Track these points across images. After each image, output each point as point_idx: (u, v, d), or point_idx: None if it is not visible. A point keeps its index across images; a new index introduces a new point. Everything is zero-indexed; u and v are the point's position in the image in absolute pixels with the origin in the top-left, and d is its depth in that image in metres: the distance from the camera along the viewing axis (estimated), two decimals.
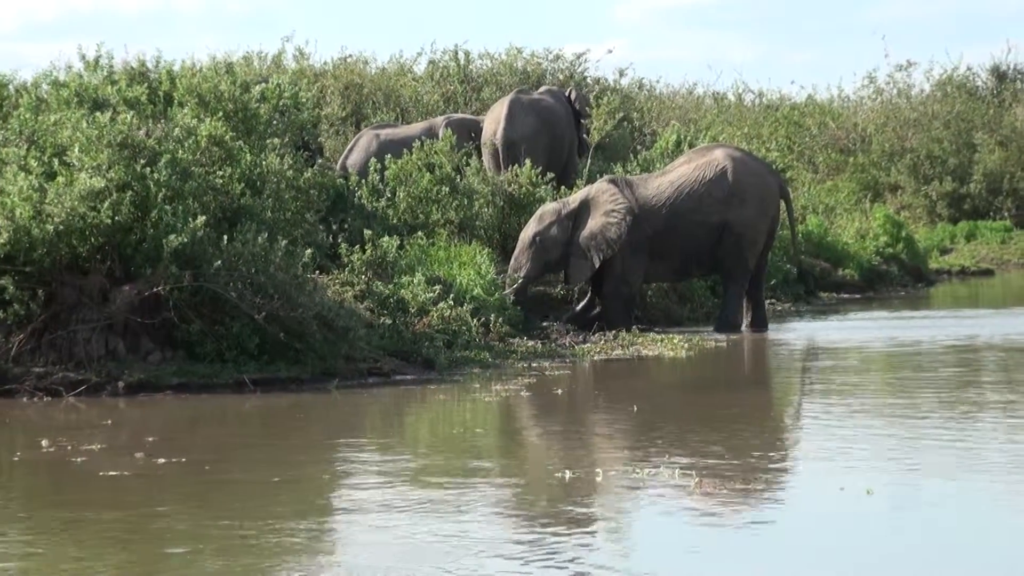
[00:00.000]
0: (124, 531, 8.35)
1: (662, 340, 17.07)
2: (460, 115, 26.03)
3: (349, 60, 34.93)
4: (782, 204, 19.07)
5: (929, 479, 9.29)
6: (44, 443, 11.03)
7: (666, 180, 18.65)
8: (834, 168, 37.50)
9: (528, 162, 20.22)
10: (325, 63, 34.43)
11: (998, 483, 9.07)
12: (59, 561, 7.73)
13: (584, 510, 8.66)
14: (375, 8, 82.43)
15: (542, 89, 24.51)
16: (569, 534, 8.03)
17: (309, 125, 17.04)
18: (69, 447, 10.90)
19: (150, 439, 11.33)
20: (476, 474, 9.91)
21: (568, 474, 9.56)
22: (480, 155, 21.41)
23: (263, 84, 16.51)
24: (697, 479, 9.16)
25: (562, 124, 22.56)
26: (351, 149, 23.83)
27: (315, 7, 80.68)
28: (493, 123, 22.74)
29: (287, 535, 8.12)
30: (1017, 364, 15.56)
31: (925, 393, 13.36)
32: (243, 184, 14.72)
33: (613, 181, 18.68)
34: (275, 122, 16.12)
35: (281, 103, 16.35)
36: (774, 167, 25.33)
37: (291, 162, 15.55)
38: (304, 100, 16.87)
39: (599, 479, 9.44)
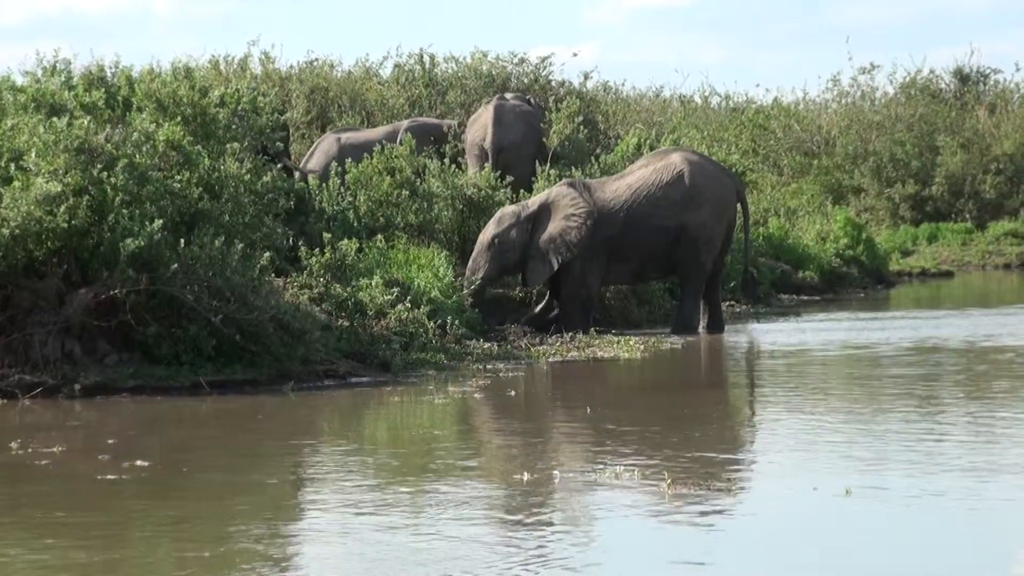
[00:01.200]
0: (87, 533, 8.43)
1: (618, 342, 17.25)
2: (422, 119, 26.22)
3: (315, 64, 35.06)
4: (739, 207, 19.24)
5: (897, 479, 9.41)
6: (14, 445, 11.15)
7: (624, 183, 18.82)
8: (799, 170, 37.74)
9: (487, 167, 20.41)
10: (291, 67, 34.55)
11: (963, 482, 9.22)
12: (18, 563, 7.81)
13: (545, 512, 8.77)
14: (342, 12, 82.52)
15: (512, 95, 24.76)
16: (532, 536, 8.12)
17: (268, 129, 17.13)
18: (30, 450, 11.01)
19: (111, 441, 11.43)
20: (435, 477, 10.00)
21: (527, 475, 9.68)
22: (440, 158, 21.52)
23: (223, 89, 16.65)
24: (669, 480, 9.26)
25: (540, 130, 22.86)
26: (313, 152, 24.01)
27: (283, 11, 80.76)
28: (480, 128, 22.97)
29: (250, 539, 8.21)
30: (968, 366, 15.74)
31: (879, 394, 13.60)
32: (201, 188, 14.84)
33: (572, 184, 18.85)
34: (234, 127, 16.25)
35: (240, 108, 16.47)
36: (733, 170, 25.58)
37: (250, 166, 15.68)
38: (263, 105, 17.00)
39: (557, 481, 9.55)
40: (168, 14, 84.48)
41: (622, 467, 9.80)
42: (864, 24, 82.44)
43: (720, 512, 8.62)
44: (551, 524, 8.49)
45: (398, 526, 8.38)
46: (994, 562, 7.58)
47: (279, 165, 18.19)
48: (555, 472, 9.81)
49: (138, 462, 10.45)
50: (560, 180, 19.81)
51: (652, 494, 9.05)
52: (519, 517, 8.60)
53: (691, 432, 11.56)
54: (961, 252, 34.00)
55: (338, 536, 8.22)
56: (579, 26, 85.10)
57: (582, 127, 23.57)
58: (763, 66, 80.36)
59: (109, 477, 10.03)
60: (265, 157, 17.51)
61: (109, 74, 16.87)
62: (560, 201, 18.52)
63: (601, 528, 8.43)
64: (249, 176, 15.51)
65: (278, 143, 17.51)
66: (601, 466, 9.94)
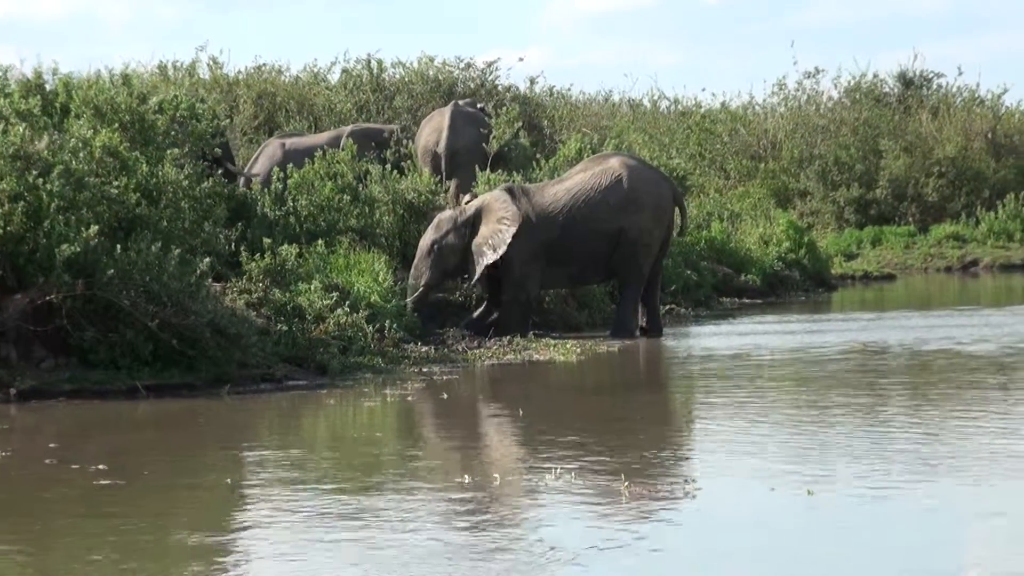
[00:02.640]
0: (22, 539, 8.52)
1: (554, 345, 17.44)
2: (365, 125, 26.40)
3: (263, 69, 35.20)
4: (676, 211, 19.47)
5: (849, 479, 9.56)
6: None
7: (562, 188, 19.02)
8: (745, 174, 38.00)
9: (425, 172, 20.59)
10: (239, 72, 34.68)
11: (911, 482, 9.39)
12: None
13: (490, 514, 8.85)
14: (291, 19, 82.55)
15: (465, 101, 25.03)
16: (477, 539, 8.20)
17: (208, 135, 17.26)
18: None
19: (52, 445, 11.51)
20: (375, 480, 10.10)
21: (468, 478, 9.79)
22: (382, 163, 21.67)
23: (161, 96, 16.77)
24: (627, 482, 9.37)
25: (488, 136, 23.12)
26: (257, 158, 24.14)
27: (233, 17, 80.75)
28: (435, 132, 23.20)
29: (190, 545, 8.27)
30: (906, 368, 15.94)
31: (818, 395, 13.79)
32: (139, 194, 14.96)
33: (509, 189, 19.04)
34: (173, 133, 16.37)
35: (178, 114, 16.60)
36: (674, 174, 25.83)
37: (189, 172, 15.81)
38: (201, 111, 17.13)
39: (498, 483, 9.66)
40: (120, 19, 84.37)
41: (561, 469, 9.93)
42: (811, 28, 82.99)
43: (682, 513, 8.78)
44: (504, 526, 8.56)
45: (342, 531, 8.44)
46: (950, 560, 7.77)
47: (220, 170, 18.32)
48: (495, 475, 9.92)
49: (73, 466, 10.56)
50: (501, 185, 19.99)
51: (602, 495, 9.19)
52: (468, 520, 8.69)
53: (625, 434, 11.73)
54: (904, 255, 34.31)
55: (282, 541, 8.28)
56: (530, 30, 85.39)
57: (524, 132, 23.78)
58: (714, 70, 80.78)
59: (46, 482, 10.12)
60: (206, 163, 17.64)
61: (48, 80, 16.97)
62: (493, 205, 18.72)
63: (547, 530, 8.49)
64: (188, 182, 15.64)
65: (217, 149, 17.63)
66: (540, 468, 10.06)
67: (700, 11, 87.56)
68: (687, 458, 10.85)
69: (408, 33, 79.27)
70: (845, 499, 8.98)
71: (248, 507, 9.37)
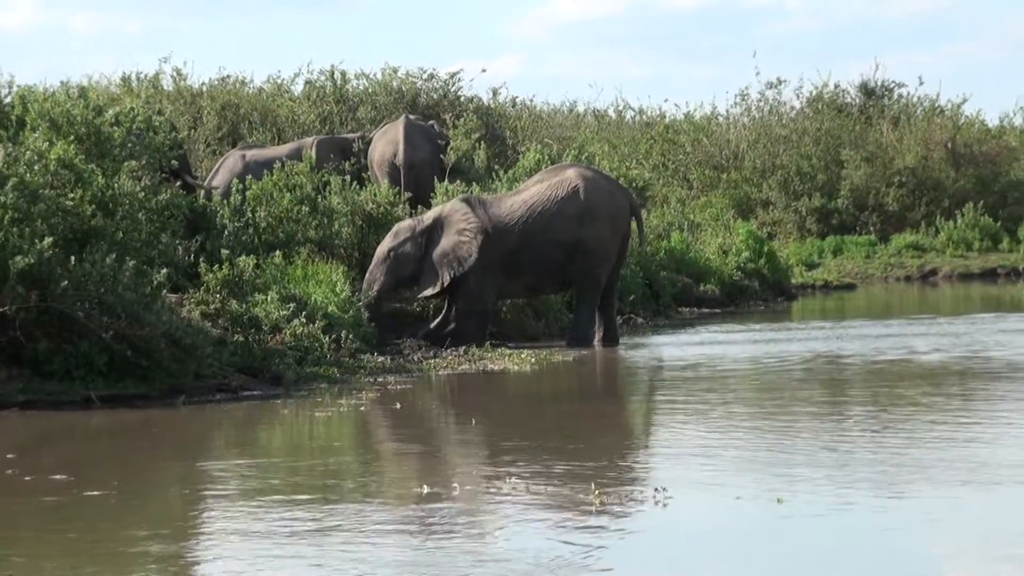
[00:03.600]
0: None
1: (510, 355, 17.58)
2: (331, 136, 26.54)
3: (227, 80, 35.30)
4: (633, 221, 19.62)
5: (811, 488, 9.68)
6: None
7: (519, 199, 19.16)
8: (708, 184, 38.17)
9: (384, 184, 20.71)
10: (203, 83, 34.77)
11: (877, 490, 9.52)
12: None
13: (452, 524, 8.91)
14: (255, 30, 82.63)
15: (415, 117, 25.25)
16: (439, 548, 8.26)
17: (166, 148, 17.36)
18: None
19: (9, 456, 11.54)
20: (331, 491, 10.16)
21: (426, 488, 9.85)
22: (341, 174, 21.77)
23: (118, 108, 16.87)
24: (596, 491, 9.46)
25: (445, 148, 23.33)
26: (218, 170, 24.25)
27: (200, 28, 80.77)
28: (391, 145, 23.37)
29: (147, 556, 8.32)
30: (857, 377, 16.10)
31: (775, 403, 14.00)
32: (94, 206, 15.05)
33: (467, 200, 19.18)
34: (130, 145, 16.47)
35: (135, 126, 16.69)
36: (634, 184, 26.00)
37: (147, 184, 15.91)
38: (158, 123, 17.23)
39: (457, 492, 9.74)
40: (86, 31, 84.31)
41: (519, 478, 10.04)
42: (776, 39, 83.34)
43: (654, 521, 8.87)
44: (468, 536, 8.62)
45: (300, 543, 8.47)
46: (921, 568, 7.90)
47: (179, 183, 18.42)
48: (454, 484, 9.99)
49: (28, 477, 10.64)
50: (458, 196, 20.12)
51: (564, 504, 9.29)
52: (431, 530, 8.73)
53: (581, 443, 11.85)
54: (865, 264, 34.50)
55: (240, 552, 8.31)
56: (502, 40, 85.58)
57: (482, 143, 23.93)
58: (684, 80, 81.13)
59: (2, 493, 10.20)
60: (164, 175, 17.74)
61: (4, 93, 17.06)
62: (453, 216, 18.85)
63: (511, 539, 8.54)
64: (144, 194, 15.73)
65: (173, 161, 17.73)
66: (498, 477, 10.15)
67: (670, 21, 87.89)
68: (648, 467, 10.96)
69: (378, 44, 79.47)
70: (814, 507, 9.10)
71: (203, 517, 9.45)
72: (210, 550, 8.51)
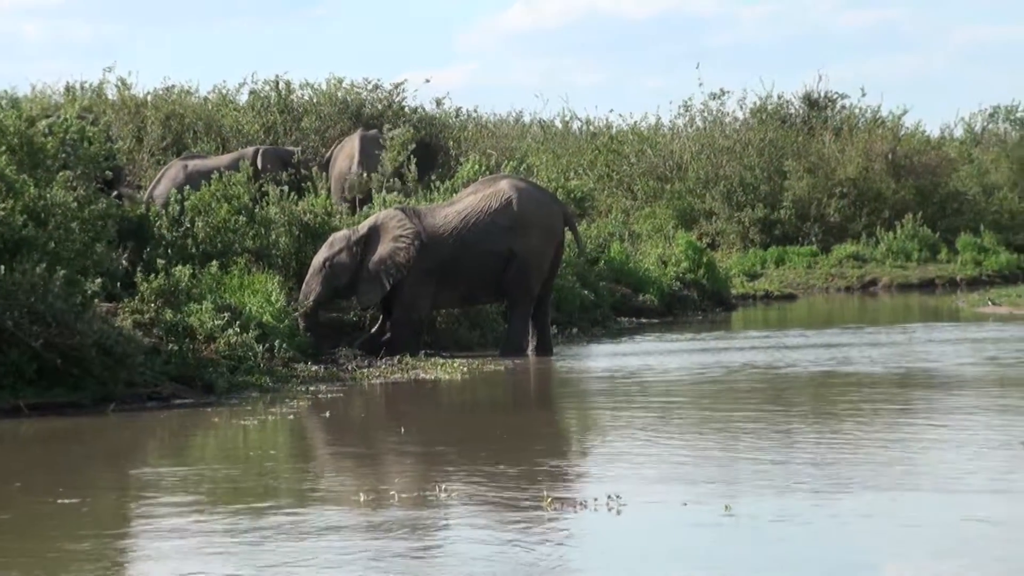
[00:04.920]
0: None
1: (441, 364, 17.74)
2: (272, 146, 26.71)
3: (172, 90, 35.34)
4: (567, 231, 19.82)
5: (753, 496, 9.85)
6: None
7: (453, 210, 19.34)
8: (652, 195, 38.38)
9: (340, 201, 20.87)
10: (148, 93, 34.81)
11: (816, 499, 9.71)
12: None
13: (397, 529, 9.04)
14: (203, 40, 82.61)
15: (370, 132, 25.52)
16: (381, 558, 8.34)
17: (100, 158, 17.47)
18: None
19: None
20: (265, 498, 10.27)
21: (363, 496, 9.99)
22: (278, 184, 21.91)
23: (50, 119, 16.97)
24: (548, 497, 9.63)
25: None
26: (159, 180, 24.35)
27: (147, 37, 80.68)
28: (347, 158, 23.58)
29: (77, 561, 8.43)
30: (794, 386, 16.25)
31: (694, 411, 14.23)
32: (26, 216, 15.15)
33: (402, 209, 19.36)
34: (63, 155, 16.57)
35: (68, 137, 16.80)
36: (573, 195, 26.21)
37: (81, 193, 16.02)
38: (92, 134, 17.34)
39: (396, 500, 9.84)
40: (35, 39, 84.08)
41: (449, 485, 10.19)
42: (725, 49, 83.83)
43: (606, 527, 9.04)
44: (412, 543, 8.73)
45: (237, 553, 8.53)
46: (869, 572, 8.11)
47: (114, 193, 18.53)
48: (392, 492, 10.08)
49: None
50: (393, 205, 20.29)
51: (501, 509, 9.49)
52: (377, 536, 8.85)
53: (510, 451, 12.02)
54: (806, 275, 34.74)
55: (171, 560, 8.38)
56: (451, 50, 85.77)
57: (412, 156, 24.13)
58: (634, 90, 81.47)
59: None
60: (99, 185, 17.84)
61: None
62: (389, 223, 19.02)
63: (454, 546, 8.66)
64: (77, 204, 15.84)
65: (108, 171, 17.84)
66: (433, 485, 10.26)
67: (621, 31, 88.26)
68: (587, 475, 11.11)
69: (329, 54, 79.56)
70: (761, 512, 9.29)
71: (138, 523, 9.58)
72: (147, 554, 8.60)
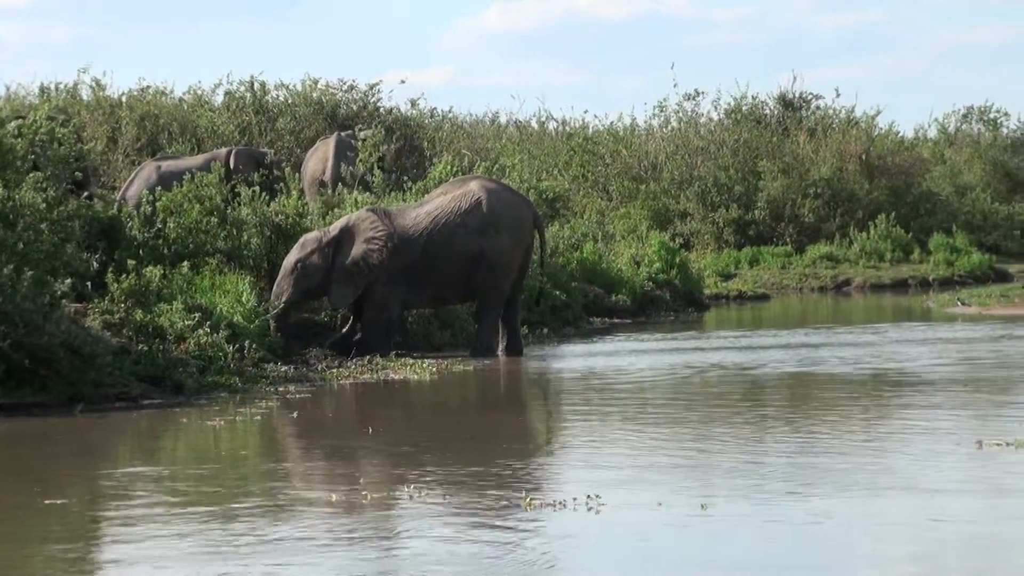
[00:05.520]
0: None
1: (411, 365, 17.83)
2: (246, 147, 26.79)
3: (147, 91, 35.37)
4: (535, 232, 19.91)
5: (728, 495, 9.95)
6: None
7: (423, 211, 19.43)
8: (627, 196, 38.43)
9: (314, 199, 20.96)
10: (123, 94, 34.85)
11: (792, 499, 9.82)
12: None
13: (372, 533, 9.10)
14: (179, 41, 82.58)
15: (346, 134, 25.59)
16: (355, 559, 8.40)
17: (71, 159, 17.52)
18: None
19: None
20: (235, 499, 10.34)
21: (334, 496, 10.06)
22: (249, 185, 21.96)
23: (20, 120, 17.01)
24: (528, 497, 9.72)
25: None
26: (132, 180, 24.39)
27: (123, 38, 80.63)
28: (320, 161, 23.70)
29: (44, 563, 8.51)
30: (765, 386, 16.40)
31: (667, 412, 14.35)
32: None
33: (373, 210, 19.44)
34: (32, 157, 16.61)
35: (37, 138, 16.85)
36: (545, 196, 26.28)
37: (51, 194, 16.06)
38: (61, 135, 17.38)
39: (366, 500, 9.91)
40: (11, 39, 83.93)
41: (419, 485, 10.27)
42: (701, 50, 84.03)
43: (583, 526, 9.14)
44: (384, 545, 8.81)
45: (210, 554, 8.57)
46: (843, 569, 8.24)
47: (85, 194, 18.58)
48: (364, 492, 10.16)
49: None
50: (364, 206, 20.36)
51: (470, 511, 9.56)
52: (351, 540, 8.91)
53: (479, 452, 12.10)
54: (780, 275, 34.81)
55: (142, 562, 8.41)
56: (429, 51, 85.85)
57: (384, 158, 24.23)
58: (613, 91, 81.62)
59: None
60: (70, 186, 17.88)
61: None
62: (361, 225, 19.09)
63: (433, 544, 8.73)
64: (46, 205, 15.89)
65: (77, 173, 17.88)
66: (402, 485, 10.35)
67: (599, 32, 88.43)
68: (558, 474, 11.22)
69: (308, 55, 79.55)
70: (737, 511, 9.42)
71: (100, 525, 9.65)
72: (118, 559, 8.63)
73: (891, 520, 9.15)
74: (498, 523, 9.20)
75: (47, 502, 10.29)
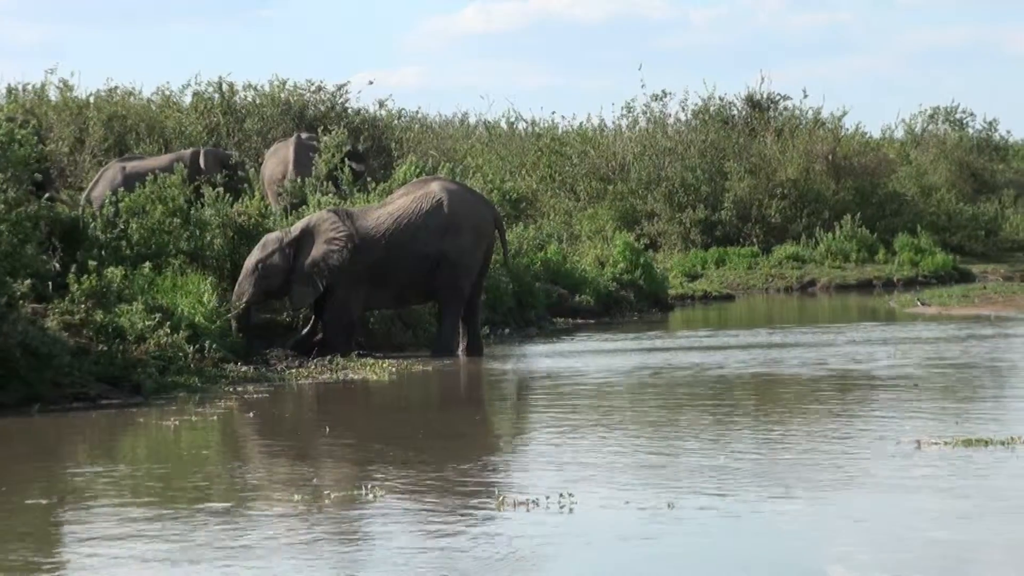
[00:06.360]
0: None
1: (371, 365, 17.94)
2: (212, 147, 26.87)
3: (115, 92, 35.43)
4: (496, 233, 20.03)
5: (693, 494, 10.07)
6: None
7: (385, 212, 19.54)
8: (595, 196, 38.52)
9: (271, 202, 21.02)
10: (90, 94, 34.89)
11: (759, 498, 9.92)
12: None
13: (336, 533, 9.21)
14: (148, 41, 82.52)
15: (306, 135, 25.65)
16: (317, 560, 8.48)
17: (32, 160, 17.58)
18: None
19: None
20: (195, 501, 10.37)
21: (298, 496, 10.15)
22: (213, 186, 22.03)
23: None
24: (500, 496, 9.83)
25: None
26: (97, 181, 24.45)
27: (91, 39, 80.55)
28: (282, 164, 23.76)
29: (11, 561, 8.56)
30: (728, 386, 16.49)
31: (623, 411, 14.48)
32: None
33: (334, 211, 19.55)
34: None
35: None
36: (508, 197, 26.40)
37: (11, 196, 16.13)
38: (21, 136, 17.43)
39: (328, 500, 10.00)
40: None
41: (383, 485, 10.37)
42: (676, 52, 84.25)
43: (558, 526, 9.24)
44: (350, 544, 8.90)
45: (165, 557, 8.60)
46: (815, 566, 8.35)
47: (46, 195, 18.64)
48: (326, 492, 10.26)
49: None
50: (326, 207, 20.46)
51: (436, 510, 9.68)
52: (315, 539, 9.01)
53: (435, 451, 12.22)
54: (746, 276, 34.95)
55: (106, 565, 8.48)
56: (400, 52, 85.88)
57: (346, 159, 24.31)
58: (587, 92, 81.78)
59: None
60: (30, 187, 17.93)
61: None
62: (321, 226, 19.21)
63: (403, 543, 8.86)
64: (5, 206, 15.97)
65: (37, 174, 17.93)
66: (363, 485, 10.41)
67: (572, 34, 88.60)
68: (518, 475, 11.28)
69: (277, 56, 79.53)
70: (704, 510, 9.54)
71: (64, 524, 9.73)
72: (82, 564, 8.65)
73: (860, 518, 9.29)
74: (471, 523, 9.31)
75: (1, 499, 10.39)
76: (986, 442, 11.68)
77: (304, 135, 26.11)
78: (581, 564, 8.41)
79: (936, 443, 11.70)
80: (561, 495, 9.83)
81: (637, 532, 9.05)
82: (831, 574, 8.14)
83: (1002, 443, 11.65)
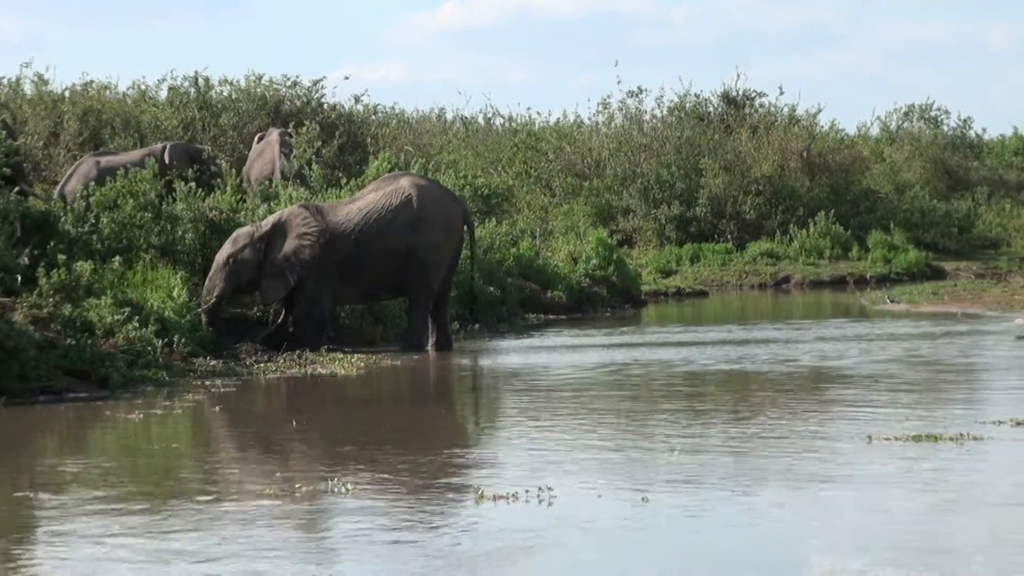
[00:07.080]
0: None
1: (340, 359, 18.01)
2: (183, 143, 26.88)
3: (90, 86, 35.38)
4: (465, 229, 20.12)
5: (672, 486, 10.17)
6: None
7: (355, 207, 19.62)
8: (570, 192, 38.60)
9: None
10: (66, 88, 34.85)
11: (729, 491, 10.00)
12: None
13: (311, 525, 9.28)
14: (124, 35, 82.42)
15: (279, 131, 25.72)
16: (291, 554, 8.52)
17: (1, 154, 17.64)
18: None
19: None
20: (167, 493, 10.44)
21: (271, 489, 10.19)
22: (185, 181, 22.08)
23: None
24: (479, 491, 9.86)
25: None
26: (70, 176, 24.46)
27: (65, 32, 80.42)
28: (268, 163, 23.76)
29: None
30: (701, 381, 16.57)
31: (589, 408, 14.50)
32: None
33: (305, 206, 19.63)
34: None
35: None
36: (480, 193, 26.48)
37: None
38: None
39: (300, 494, 10.02)
40: None
41: (348, 478, 10.43)
42: (656, 48, 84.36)
43: (542, 520, 9.26)
44: (311, 538, 8.96)
45: (151, 553, 8.59)
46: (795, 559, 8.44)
47: (16, 189, 18.69)
48: (298, 484, 10.29)
49: None
50: (297, 202, 20.53)
51: (409, 504, 9.70)
52: (291, 532, 9.08)
53: (404, 445, 12.28)
54: (720, 272, 35.03)
55: (82, 562, 8.47)
56: (381, 47, 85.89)
57: (316, 155, 24.40)
58: (568, 88, 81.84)
59: None
60: (0, 181, 18.01)
61: None
62: (293, 220, 19.28)
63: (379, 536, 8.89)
64: None
65: (6, 168, 17.98)
66: (331, 478, 10.45)
67: (552, 30, 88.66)
68: (492, 469, 11.29)
69: (257, 51, 79.47)
70: (679, 504, 9.60)
71: (34, 518, 9.79)
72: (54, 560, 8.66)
73: (835, 513, 9.40)
74: (451, 517, 9.37)
75: None
76: (936, 438, 11.79)
77: (278, 130, 26.16)
78: (564, 557, 8.48)
79: (888, 439, 11.80)
80: (540, 489, 9.89)
81: (616, 525, 9.12)
82: (807, 564, 8.23)
83: (951, 439, 11.76)
